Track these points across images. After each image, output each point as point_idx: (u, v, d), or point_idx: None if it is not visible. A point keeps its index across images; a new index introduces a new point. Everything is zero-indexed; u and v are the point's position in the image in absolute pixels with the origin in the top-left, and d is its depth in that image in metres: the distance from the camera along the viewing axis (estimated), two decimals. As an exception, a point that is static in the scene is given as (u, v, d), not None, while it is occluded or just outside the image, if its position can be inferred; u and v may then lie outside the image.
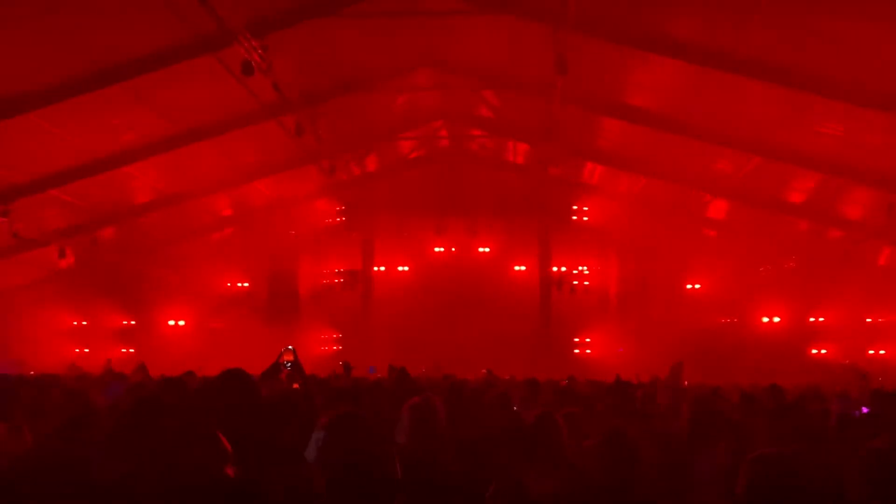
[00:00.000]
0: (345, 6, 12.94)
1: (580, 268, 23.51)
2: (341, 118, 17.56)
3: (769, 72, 12.34)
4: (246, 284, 24.10)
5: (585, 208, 23.36)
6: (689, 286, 22.71)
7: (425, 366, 15.89)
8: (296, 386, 5.98)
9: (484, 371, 13.87)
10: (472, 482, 3.77)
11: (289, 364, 4.39)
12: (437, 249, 23.82)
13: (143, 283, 22.24)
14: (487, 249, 23.65)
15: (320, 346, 22.58)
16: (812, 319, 21.31)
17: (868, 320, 20.47)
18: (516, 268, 23.63)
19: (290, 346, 4.46)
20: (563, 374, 15.11)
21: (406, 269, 23.96)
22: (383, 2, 12.95)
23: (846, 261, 19.07)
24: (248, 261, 23.25)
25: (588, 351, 22.77)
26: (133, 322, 23.30)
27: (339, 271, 24.11)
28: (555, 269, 23.34)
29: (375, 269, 24.02)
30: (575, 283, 23.28)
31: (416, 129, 21.75)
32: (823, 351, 20.87)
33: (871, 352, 20.12)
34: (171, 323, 23.16)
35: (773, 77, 12.45)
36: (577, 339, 22.96)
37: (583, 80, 13.94)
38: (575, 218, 23.40)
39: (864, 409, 5.93)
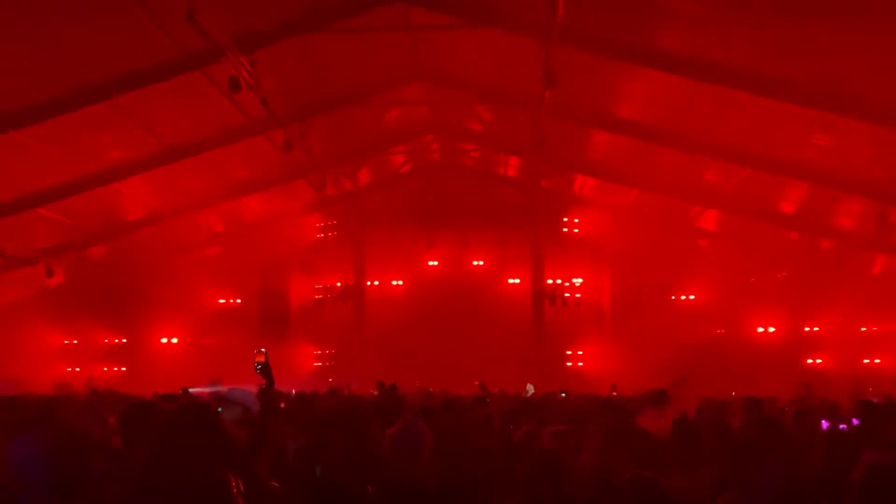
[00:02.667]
0: (333, 21, 12.93)
1: (573, 280, 23.47)
2: (331, 133, 17.53)
3: (758, 83, 12.34)
4: (238, 301, 23.96)
5: (577, 220, 23.35)
6: (681, 297, 22.65)
7: (418, 381, 15.75)
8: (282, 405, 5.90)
9: (476, 384, 13.73)
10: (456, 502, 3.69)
11: (259, 366, 4.37)
12: (430, 263, 23.76)
13: (134, 301, 22.06)
14: (481, 263, 23.59)
15: (311, 362, 22.42)
16: (807, 329, 21.26)
17: (863, 329, 20.44)
18: (510, 280, 23.58)
19: (262, 349, 4.44)
20: (555, 386, 15.06)
21: (399, 283, 23.88)
22: (372, 17, 12.94)
23: (839, 270, 19.05)
24: (239, 277, 23.10)
25: (580, 364, 22.66)
26: (124, 340, 23.11)
27: (331, 286, 24.00)
28: (549, 281, 23.28)
29: (368, 283, 23.92)
30: (567, 295, 23.23)
31: (407, 143, 21.74)
32: (819, 360, 20.82)
33: (867, 361, 20.10)
34: (164, 340, 22.98)
35: (763, 89, 12.45)
36: (569, 352, 22.86)
37: (572, 93, 13.92)
38: (567, 230, 23.37)
39: (855, 421, 5.84)
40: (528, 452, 3.78)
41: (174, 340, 22.93)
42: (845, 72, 11.53)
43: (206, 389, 8.77)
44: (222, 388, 5.52)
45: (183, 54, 12.03)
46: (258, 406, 4.49)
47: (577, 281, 23.49)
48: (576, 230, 23.36)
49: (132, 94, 12.77)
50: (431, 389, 14.12)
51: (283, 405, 6.55)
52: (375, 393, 11.53)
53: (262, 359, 4.33)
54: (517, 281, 23.47)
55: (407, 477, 3.76)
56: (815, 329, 21.19)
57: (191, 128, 15.26)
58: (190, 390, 8.57)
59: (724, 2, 11.06)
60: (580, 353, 22.88)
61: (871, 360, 20.03)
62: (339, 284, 24.05)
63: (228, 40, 11.29)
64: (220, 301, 23.88)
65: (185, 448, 3.04)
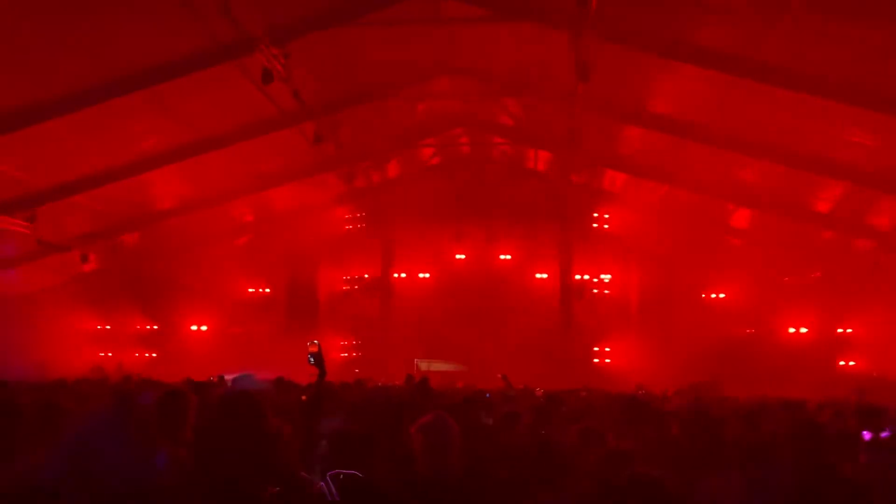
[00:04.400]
0: (365, 14, 12.94)
1: (601, 276, 23.28)
2: (361, 125, 17.57)
3: (795, 79, 12.09)
4: (267, 290, 24.19)
5: (607, 216, 23.13)
6: (712, 295, 22.35)
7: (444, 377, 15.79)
8: (304, 398, 5.93)
9: (500, 376, 13.69)
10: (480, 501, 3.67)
11: (312, 358, 4.46)
12: (458, 256, 23.74)
13: (166, 288, 22.40)
14: (509, 257, 23.51)
15: (338, 353, 22.57)
16: (840, 331, 20.84)
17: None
18: (537, 275, 23.46)
19: (315, 340, 4.52)
20: (581, 383, 14.96)
21: (427, 276, 23.91)
22: (403, 9, 12.92)
23: (875, 271, 18.62)
24: (269, 267, 23.33)
25: (608, 360, 22.50)
26: (156, 326, 23.47)
27: (358, 278, 24.12)
28: (577, 277, 23.12)
29: (395, 275, 23.98)
30: (595, 291, 23.05)
31: (436, 136, 21.71)
32: (852, 363, 20.40)
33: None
34: (194, 328, 23.28)
35: (800, 85, 12.19)
36: (596, 348, 22.70)
37: (604, 87, 13.80)
38: (596, 226, 23.17)
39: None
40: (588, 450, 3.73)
41: (204, 328, 23.22)
42: (883, 69, 11.25)
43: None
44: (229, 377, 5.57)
45: (217, 46, 12.13)
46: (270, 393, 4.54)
47: (606, 277, 23.30)
48: (605, 226, 23.15)
49: (166, 85, 12.91)
50: (457, 384, 14.13)
51: (303, 398, 6.56)
52: (403, 385, 11.58)
53: (315, 349, 4.42)
54: (545, 276, 23.34)
55: (435, 473, 3.75)
56: (849, 331, 20.75)
57: (223, 119, 15.40)
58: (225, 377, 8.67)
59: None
60: (607, 349, 22.71)
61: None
62: (366, 276, 24.16)
63: (262, 32, 11.38)
64: (250, 290, 24.13)
65: (230, 436, 3.08)
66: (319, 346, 4.53)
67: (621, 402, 6.40)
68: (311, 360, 4.46)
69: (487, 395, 8.94)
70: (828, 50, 11.33)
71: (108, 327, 23.11)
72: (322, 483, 3.08)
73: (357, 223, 24.16)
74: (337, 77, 15.06)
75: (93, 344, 22.39)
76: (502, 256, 23.54)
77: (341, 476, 3.11)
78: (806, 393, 11.84)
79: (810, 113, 13.21)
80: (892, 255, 18.39)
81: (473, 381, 15.11)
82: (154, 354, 22.68)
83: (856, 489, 3.84)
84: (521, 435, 5.13)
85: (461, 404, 6.39)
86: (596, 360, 22.44)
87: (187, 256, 22.21)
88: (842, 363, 20.42)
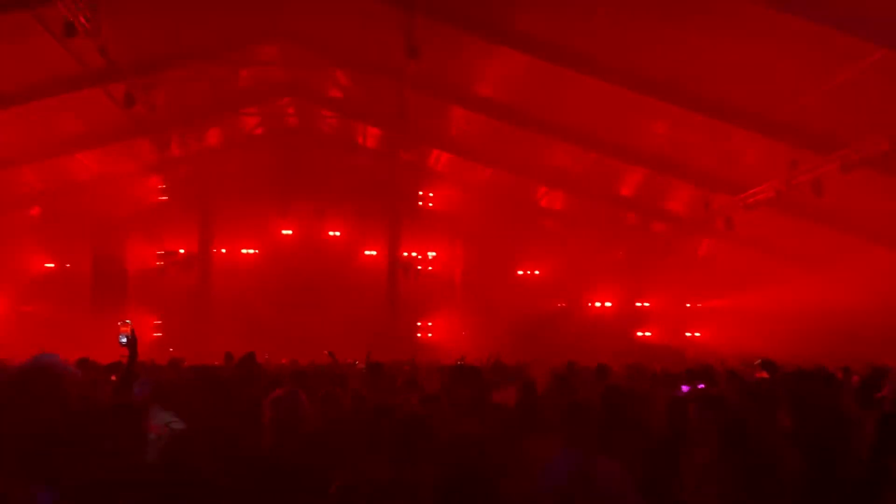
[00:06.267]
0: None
1: (427, 253, 23.79)
2: (178, 89, 16.46)
3: (606, 71, 13.03)
4: (67, 265, 22.12)
5: (433, 195, 23.62)
6: (526, 272, 23.61)
7: (267, 354, 15.35)
8: (113, 378, 5.52)
9: (326, 353, 13.59)
10: (318, 475, 3.64)
11: (123, 338, 4.16)
12: (284, 232, 23.14)
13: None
14: (338, 233, 23.31)
15: (150, 332, 21.21)
16: (638, 304, 22.94)
17: (687, 305, 22.38)
18: (366, 252, 23.48)
19: (127, 320, 4.22)
20: (406, 357, 15.24)
21: (251, 251, 23.09)
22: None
23: (669, 251, 20.74)
24: (70, 239, 21.29)
25: (430, 335, 23.11)
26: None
27: (173, 252, 22.75)
28: (404, 254, 23.43)
29: (215, 251, 22.90)
30: (421, 268, 23.53)
31: (261, 105, 20.90)
32: (648, 333, 22.58)
33: (688, 334, 22.06)
34: (-20, 306, 20.78)
35: (609, 76, 13.15)
36: (420, 324, 23.24)
37: (433, 67, 13.99)
38: (423, 204, 23.59)
39: (685, 388, 6.40)
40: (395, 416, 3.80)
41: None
42: (685, 66, 12.44)
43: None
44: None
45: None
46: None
47: (432, 254, 23.83)
48: (430, 204, 23.63)
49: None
50: (282, 360, 13.82)
51: (113, 378, 6.11)
52: (222, 364, 11.13)
53: (127, 331, 4.14)
54: (374, 253, 23.40)
55: (283, 446, 3.68)
56: (646, 304, 22.90)
57: (17, 74, 13.73)
58: None
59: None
60: (430, 324, 23.31)
61: (692, 333, 22.03)
62: (182, 251, 22.84)
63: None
64: (47, 265, 21.94)
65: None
66: (132, 327, 4.26)
67: (447, 371, 6.61)
68: (123, 340, 4.19)
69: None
70: (636, 46, 12.30)
71: None
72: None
73: (172, 194, 22.69)
74: (152, 35, 13.92)
75: None
76: (331, 233, 23.29)
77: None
78: (608, 360, 12.96)
79: (618, 103, 14.28)
80: (683, 238, 20.59)
81: (298, 358, 14.86)
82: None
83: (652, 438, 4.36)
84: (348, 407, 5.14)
85: (288, 380, 6.26)
86: (419, 335, 22.97)
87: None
88: (639, 334, 22.55)
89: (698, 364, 9.91)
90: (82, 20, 10.72)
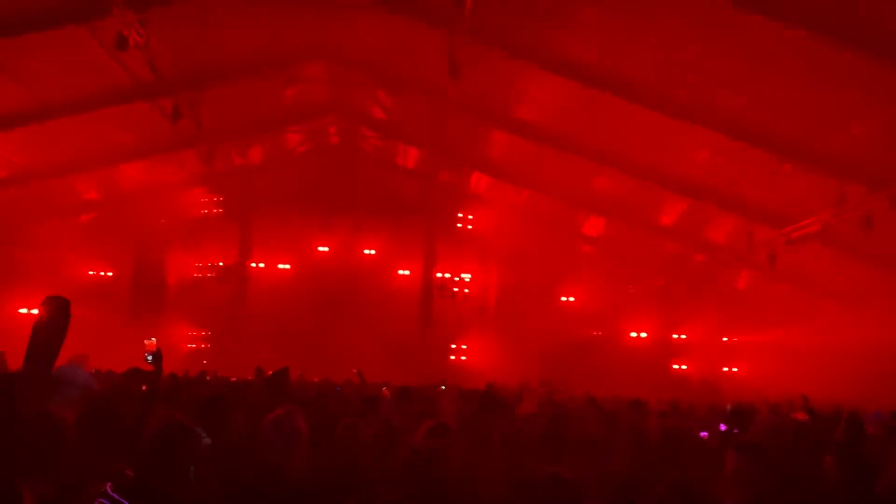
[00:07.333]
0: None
1: (463, 275, 23.70)
2: (224, 104, 16.75)
3: (649, 97, 12.89)
4: (110, 273, 22.57)
5: (470, 216, 23.58)
6: (563, 298, 23.34)
7: (301, 369, 15.39)
8: (144, 388, 5.54)
9: (354, 372, 13.57)
10: (328, 494, 3.58)
11: (149, 356, 4.15)
12: (320, 249, 23.31)
13: (-6, 266, 20.31)
14: (373, 252, 23.39)
15: (187, 344, 21.47)
16: (675, 336, 22.47)
17: (724, 339, 21.85)
18: (400, 272, 23.50)
19: (152, 338, 4.21)
20: (437, 379, 15.14)
21: (287, 266, 23.30)
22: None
23: (708, 283, 20.30)
24: (114, 248, 21.75)
25: (463, 357, 22.95)
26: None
27: (213, 265, 23.07)
28: (438, 275, 23.38)
29: (253, 265, 23.17)
30: (456, 290, 23.44)
31: (305, 123, 21.18)
32: (684, 367, 22.07)
33: (725, 369, 21.51)
34: (24, 311, 21.28)
35: (652, 103, 13.00)
36: (453, 346, 23.09)
37: (475, 89, 14.02)
38: (460, 225, 23.57)
39: (722, 427, 6.19)
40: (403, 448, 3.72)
41: (35, 312, 21.23)
42: (733, 96, 12.24)
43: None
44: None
45: (67, 4, 11.15)
46: (94, 386, 4.18)
47: (467, 276, 23.74)
48: (469, 226, 23.60)
49: (8, 42, 11.69)
50: (312, 378, 13.84)
51: (144, 388, 6.16)
52: (252, 379, 11.17)
53: (153, 347, 4.14)
54: (407, 272, 23.42)
55: (279, 470, 3.62)
56: (683, 337, 22.42)
57: (69, 85, 14.15)
58: None
59: (628, 17, 11.41)
60: (464, 347, 23.16)
61: (730, 368, 21.46)
62: (221, 264, 23.16)
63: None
64: (91, 273, 22.41)
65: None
66: (157, 343, 4.25)
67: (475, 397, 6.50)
68: (149, 358, 4.20)
69: (338, 388, 8.79)
70: (680, 73, 12.15)
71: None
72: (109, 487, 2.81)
73: (215, 208, 23.08)
74: (201, 51, 14.26)
75: None
76: (366, 251, 23.38)
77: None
78: (643, 392, 12.68)
79: (661, 130, 14.09)
80: (723, 269, 20.13)
81: (329, 375, 14.86)
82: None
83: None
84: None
85: (314, 398, 6.23)
86: (452, 357, 22.81)
87: (22, 232, 20.26)
88: (675, 367, 22.06)
89: (741, 403, 9.62)
90: (134, 34, 11.01)
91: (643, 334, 22.61)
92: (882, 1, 8.97)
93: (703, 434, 5.89)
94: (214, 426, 4.16)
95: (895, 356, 14.11)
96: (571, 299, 23.35)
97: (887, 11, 9.07)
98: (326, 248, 23.31)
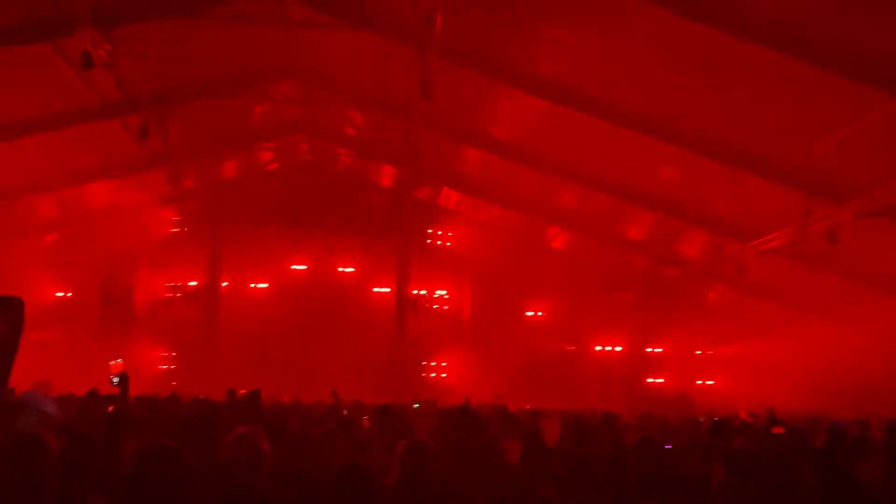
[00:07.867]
0: (204, 7, 12.29)
1: (437, 291, 23.62)
2: (193, 123, 16.61)
3: (617, 115, 13.05)
4: (72, 294, 22.05)
5: (448, 234, 23.56)
6: (535, 313, 23.32)
7: (274, 390, 15.18)
8: (110, 409, 5.40)
9: (329, 391, 13.43)
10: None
11: (115, 379, 4.04)
12: (294, 267, 23.06)
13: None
14: (350, 269, 23.19)
15: (155, 365, 21.06)
16: (649, 350, 22.60)
17: (698, 352, 22.04)
18: (376, 289, 23.31)
19: (118, 359, 4.11)
20: (411, 396, 15.04)
21: (262, 286, 22.98)
22: (247, 6, 12.42)
23: (680, 296, 20.51)
24: (80, 269, 21.28)
25: (438, 374, 22.80)
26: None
27: (183, 285, 22.70)
28: (414, 291, 23.24)
29: (224, 284, 22.83)
30: (431, 305, 23.33)
31: (275, 141, 21.06)
32: (660, 380, 22.20)
33: (699, 382, 21.69)
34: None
35: (621, 120, 13.16)
36: (427, 363, 22.95)
37: (445, 107, 14.06)
38: (434, 241, 23.53)
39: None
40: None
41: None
42: (696, 112, 12.43)
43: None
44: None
45: (31, 22, 10.97)
46: (56, 412, 4.07)
47: (442, 292, 23.66)
48: (447, 243, 23.58)
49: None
50: (284, 398, 13.65)
51: (110, 409, 6.00)
52: (224, 400, 10.98)
53: (119, 369, 4.04)
54: (385, 290, 23.19)
55: (245, 488, 3.57)
56: (658, 350, 22.56)
57: (32, 104, 13.88)
58: None
59: (596, 35, 11.55)
60: (440, 364, 23.01)
61: (704, 381, 21.64)
62: (192, 284, 22.81)
63: (86, 12, 10.41)
64: (58, 294, 21.92)
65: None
66: (123, 365, 4.14)
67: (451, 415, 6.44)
68: (115, 380, 4.10)
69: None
70: (647, 91, 12.32)
71: None
72: None
73: (184, 226, 22.74)
74: (170, 69, 14.09)
75: None
76: (341, 269, 23.18)
77: None
78: (618, 406, 12.75)
79: (630, 146, 14.25)
80: (693, 283, 20.37)
81: (304, 395, 14.67)
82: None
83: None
84: (340, 451, 4.97)
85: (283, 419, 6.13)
86: (429, 374, 22.64)
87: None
88: (649, 380, 22.18)
89: (720, 417, 9.70)
90: (101, 52, 10.86)
91: (617, 348, 22.71)
92: (847, 17, 9.18)
93: (668, 446, 5.88)
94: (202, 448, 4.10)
95: (863, 366, 14.36)
96: (541, 314, 23.36)
97: (853, 27, 9.29)
98: (301, 267, 23.07)
